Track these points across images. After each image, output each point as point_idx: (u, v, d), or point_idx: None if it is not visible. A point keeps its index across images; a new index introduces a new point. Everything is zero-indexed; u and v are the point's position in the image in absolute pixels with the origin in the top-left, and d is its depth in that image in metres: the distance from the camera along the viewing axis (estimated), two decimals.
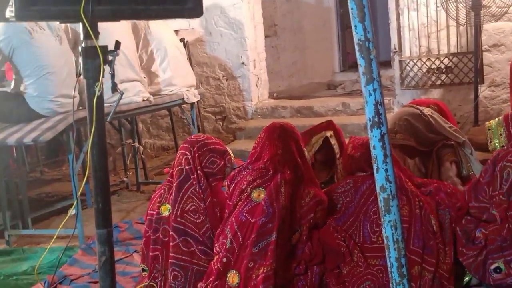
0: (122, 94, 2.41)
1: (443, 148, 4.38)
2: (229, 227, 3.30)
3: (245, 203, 3.32)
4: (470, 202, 3.48)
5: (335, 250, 3.36)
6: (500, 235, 3.31)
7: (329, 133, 4.37)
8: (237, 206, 3.34)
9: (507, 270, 3.25)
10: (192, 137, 3.68)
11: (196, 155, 3.51)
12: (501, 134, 3.63)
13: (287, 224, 3.28)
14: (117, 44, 2.38)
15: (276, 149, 3.43)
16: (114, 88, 2.42)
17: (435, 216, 3.44)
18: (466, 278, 3.46)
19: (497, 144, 3.66)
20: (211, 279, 3.25)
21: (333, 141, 4.35)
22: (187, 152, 3.53)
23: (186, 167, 3.49)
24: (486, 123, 3.81)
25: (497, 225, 3.35)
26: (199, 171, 3.48)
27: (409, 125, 4.39)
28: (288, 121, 7.40)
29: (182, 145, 3.63)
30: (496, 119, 3.76)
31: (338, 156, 4.31)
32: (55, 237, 2.95)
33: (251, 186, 3.35)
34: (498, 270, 3.29)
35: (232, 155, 3.66)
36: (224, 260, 3.24)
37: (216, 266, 3.26)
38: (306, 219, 3.34)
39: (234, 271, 3.21)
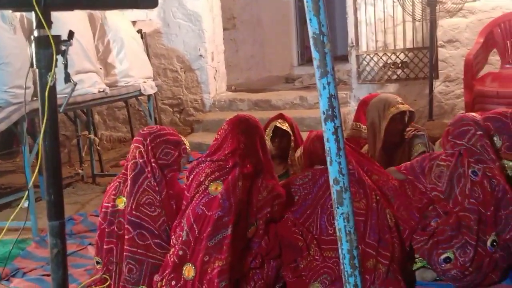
0: (75, 85, 2.38)
1: (414, 138, 4.45)
2: (185, 219, 3.28)
3: (202, 195, 3.30)
4: (409, 175, 3.70)
5: (292, 245, 3.37)
6: (448, 224, 3.44)
7: (278, 122, 4.40)
8: (194, 199, 3.32)
9: (455, 260, 3.35)
10: (145, 129, 3.63)
11: (149, 147, 3.49)
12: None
13: (243, 218, 3.28)
14: (71, 34, 2.35)
15: (238, 143, 3.40)
16: (68, 79, 2.39)
17: (392, 210, 3.50)
18: (419, 264, 3.55)
19: None
20: (167, 271, 3.24)
21: (284, 125, 4.38)
22: (140, 145, 3.50)
23: (140, 160, 3.47)
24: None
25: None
26: (153, 164, 3.46)
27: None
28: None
29: (135, 138, 3.61)
30: None
31: (292, 138, 4.31)
32: (5, 229, 2.90)
33: (209, 178, 3.33)
34: (448, 260, 3.38)
35: (187, 144, 3.64)
36: (180, 253, 3.23)
37: (172, 259, 3.24)
38: (263, 213, 3.34)
39: (190, 264, 3.20)
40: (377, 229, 3.36)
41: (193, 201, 3.32)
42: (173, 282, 3.21)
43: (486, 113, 3.84)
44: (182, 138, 3.67)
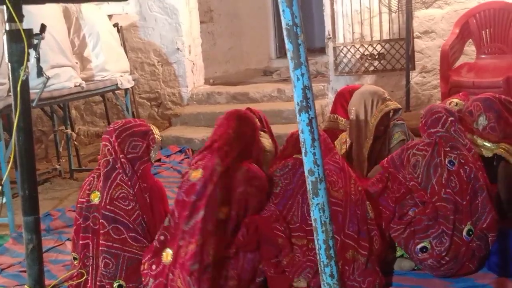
0: (48, 79, 2.36)
1: (393, 127, 4.49)
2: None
3: (184, 183, 3.35)
4: (390, 168, 3.73)
5: (271, 242, 3.37)
6: (425, 213, 3.48)
7: None
8: (180, 187, 3.38)
9: (432, 250, 3.39)
10: (111, 126, 3.62)
11: (116, 144, 3.48)
12: None
13: (217, 201, 3.27)
14: (43, 27, 2.34)
15: (228, 128, 3.46)
16: (40, 73, 2.37)
17: (372, 202, 3.52)
18: (399, 252, 3.60)
19: None
20: (149, 256, 3.30)
21: None
22: (107, 143, 3.51)
23: (110, 158, 3.48)
24: None
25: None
26: (122, 159, 3.46)
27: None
28: (224, 107, 7.41)
29: (103, 136, 3.61)
30: None
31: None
32: None
33: (193, 167, 3.38)
34: (424, 250, 3.42)
35: (156, 133, 3.63)
36: (162, 238, 3.30)
37: (154, 243, 3.31)
38: (237, 192, 3.34)
39: (168, 249, 3.26)
40: (357, 220, 3.37)
41: (179, 189, 3.37)
42: (153, 266, 3.29)
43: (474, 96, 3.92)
44: (152, 127, 3.65)
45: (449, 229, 3.38)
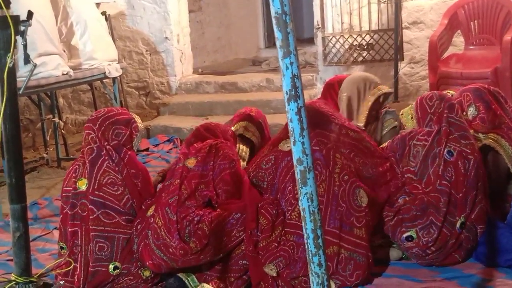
0: (35, 66, 2.35)
1: (385, 114, 4.50)
2: None
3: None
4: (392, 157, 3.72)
5: (251, 217, 3.37)
6: (415, 204, 3.47)
7: (243, 128, 4.11)
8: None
9: (418, 240, 3.39)
10: (93, 114, 3.67)
11: (100, 132, 3.53)
12: (412, 118, 3.79)
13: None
14: (30, 14, 2.32)
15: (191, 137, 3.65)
16: (27, 60, 2.35)
17: (366, 189, 3.47)
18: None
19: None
20: (137, 221, 3.45)
21: (248, 134, 4.11)
22: (91, 131, 3.55)
23: (94, 146, 3.52)
24: (402, 110, 3.96)
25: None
26: (107, 147, 3.51)
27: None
28: (213, 96, 7.43)
29: (85, 124, 3.63)
30: (409, 106, 3.91)
31: (257, 145, 4.11)
32: None
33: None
34: (410, 239, 3.42)
35: (139, 122, 3.68)
36: (149, 202, 3.50)
37: (142, 208, 3.51)
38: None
39: (154, 205, 3.41)
40: (339, 215, 3.33)
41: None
42: (139, 226, 3.40)
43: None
44: (134, 116, 3.71)
45: (439, 221, 3.37)
